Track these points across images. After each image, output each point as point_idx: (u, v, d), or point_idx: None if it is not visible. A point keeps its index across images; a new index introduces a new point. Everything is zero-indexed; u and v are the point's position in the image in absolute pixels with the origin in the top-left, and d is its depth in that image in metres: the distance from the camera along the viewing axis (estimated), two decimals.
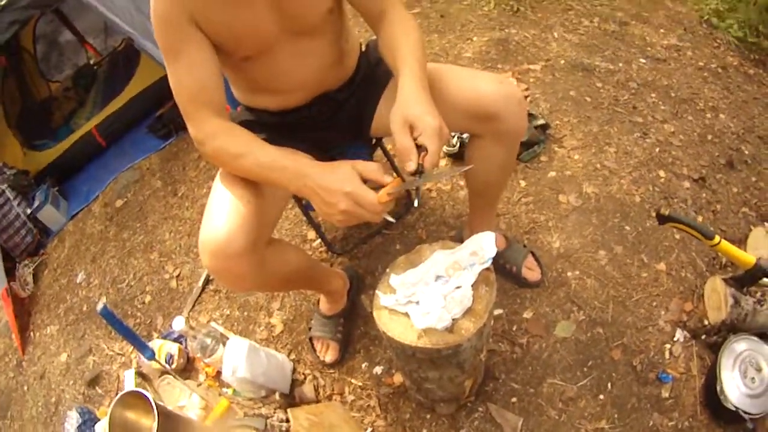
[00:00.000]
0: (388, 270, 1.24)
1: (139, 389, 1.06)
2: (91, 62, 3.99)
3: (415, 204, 1.12)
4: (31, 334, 2.67)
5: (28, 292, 2.86)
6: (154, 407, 1.01)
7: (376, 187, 1.04)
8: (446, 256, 1.19)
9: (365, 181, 1.04)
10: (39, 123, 3.59)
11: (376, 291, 1.20)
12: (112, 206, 3.07)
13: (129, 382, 1.85)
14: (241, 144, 1.17)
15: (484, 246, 1.16)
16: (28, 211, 3.05)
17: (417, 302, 1.13)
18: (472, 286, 1.13)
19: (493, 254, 1.13)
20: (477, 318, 1.11)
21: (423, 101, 1.10)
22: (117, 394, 1.16)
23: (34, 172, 3.32)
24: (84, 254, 2.89)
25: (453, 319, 1.10)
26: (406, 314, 1.13)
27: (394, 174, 1.02)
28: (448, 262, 1.18)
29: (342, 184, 1.02)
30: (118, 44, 3.86)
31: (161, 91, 3.15)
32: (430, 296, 1.11)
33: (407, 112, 1.08)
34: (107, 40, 4.06)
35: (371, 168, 1.05)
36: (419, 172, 1.05)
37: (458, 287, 1.12)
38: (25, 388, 2.46)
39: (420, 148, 1.06)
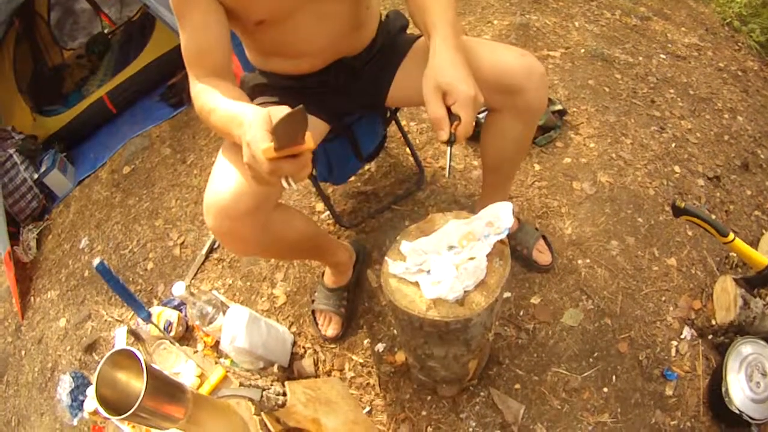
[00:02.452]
0: (398, 237, 1.20)
1: (130, 347, 1.00)
2: (105, 31, 3.98)
3: (447, 174, 1.07)
4: (32, 299, 2.67)
5: (31, 257, 2.86)
6: (144, 367, 0.95)
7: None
8: (460, 226, 1.15)
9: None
10: (50, 89, 3.59)
11: (386, 257, 1.16)
12: (120, 173, 3.06)
13: (120, 340, 1.82)
14: (212, 99, 1.11)
15: (501, 216, 1.12)
16: (35, 176, 3.05)
17: (428, 271, 1.09)
18: (486, 257, 1.09)
19: (510, 224, 1.09)
20: (489, 292, 1.08)
21: (458, 66, 1.05)
22: None
23: (43, 138, 3.32)
24: (88, 220, 2.88)
25: (465, 291, 1.06)
26: (416, 284, 1.10)
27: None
28: (461, 232, 1.14)
29: (248, 131, 0.88)
30: (133, 14, 3.86)
31: (174, 60, 3.07)
32: (442, 265, 1.08)
33: (440, 77, 1.04)
34: (122, 10, 4.06)
35: (277, 113, 0.88)
36: (451, 141, 1.02)
37: (471, 258, 1.08)
38: (23, 353, 2.47)
39: (453, 116, 1.03)
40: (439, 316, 1.06)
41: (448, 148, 1.05)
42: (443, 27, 1.11)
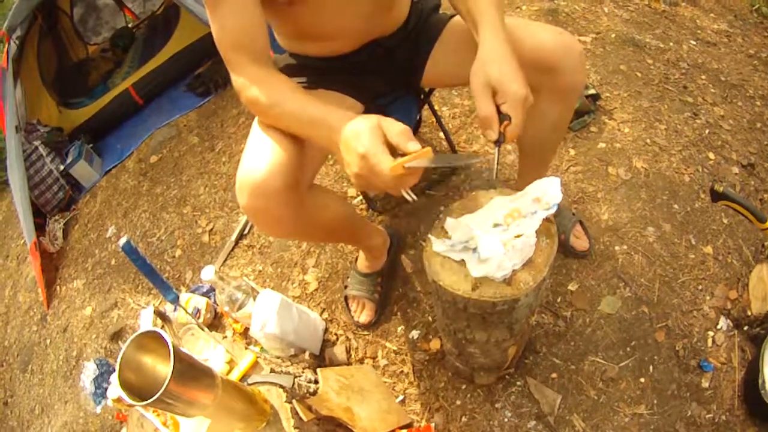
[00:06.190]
0: (441, 215, 1.16)
1: (156, 329, 0.95)
2: (130, 26, 4.00)
3: (494, 176, 1.05)
4: (58, 288, 2.68)
5: (57, 247, 2.88)
6: (171, 349, 0.90)
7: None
8: (505, 203, 1.12)
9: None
10: (75, 82, 3.61)
11: (428, 235, 1.12)
12: (147, 162, 3.08)
13: (146, 321, 1.76)
14: (274, 93, 1.09)
15: (548, 191, 1.08)
16: (61, 167, 3.07)
17: (474, 248, 1.06)
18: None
19: (559, 199, 1.06)
20: (537, 271, 1.04)
21: (507, 61, 1.02)
22: None
23: (69, 130, 3.35)
24: (115, 209, 2.90)
25: (513, 270, 1.03)
26: (461, 262, 1.06)
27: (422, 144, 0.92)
28: (507, 209, 1.11)
29: (358, 141, 0.89)
30: (157, 8, 3.88)
31: (200, 50, 3.15)
32: (489, 242, 1.04)
33: (490, 73, 1.00)
34: (145, 4, 4.07)
35: (395, 129, 0.89)
36: (500, 141, 1.00)
37: (518, 236, 1.05)
38: (48, 342, 2.49)
39: (502, 116, 1.00)
40: (485, 296, 1.02)
41: (496, 149, 1.03)
42: (491, 16, 1.08)
